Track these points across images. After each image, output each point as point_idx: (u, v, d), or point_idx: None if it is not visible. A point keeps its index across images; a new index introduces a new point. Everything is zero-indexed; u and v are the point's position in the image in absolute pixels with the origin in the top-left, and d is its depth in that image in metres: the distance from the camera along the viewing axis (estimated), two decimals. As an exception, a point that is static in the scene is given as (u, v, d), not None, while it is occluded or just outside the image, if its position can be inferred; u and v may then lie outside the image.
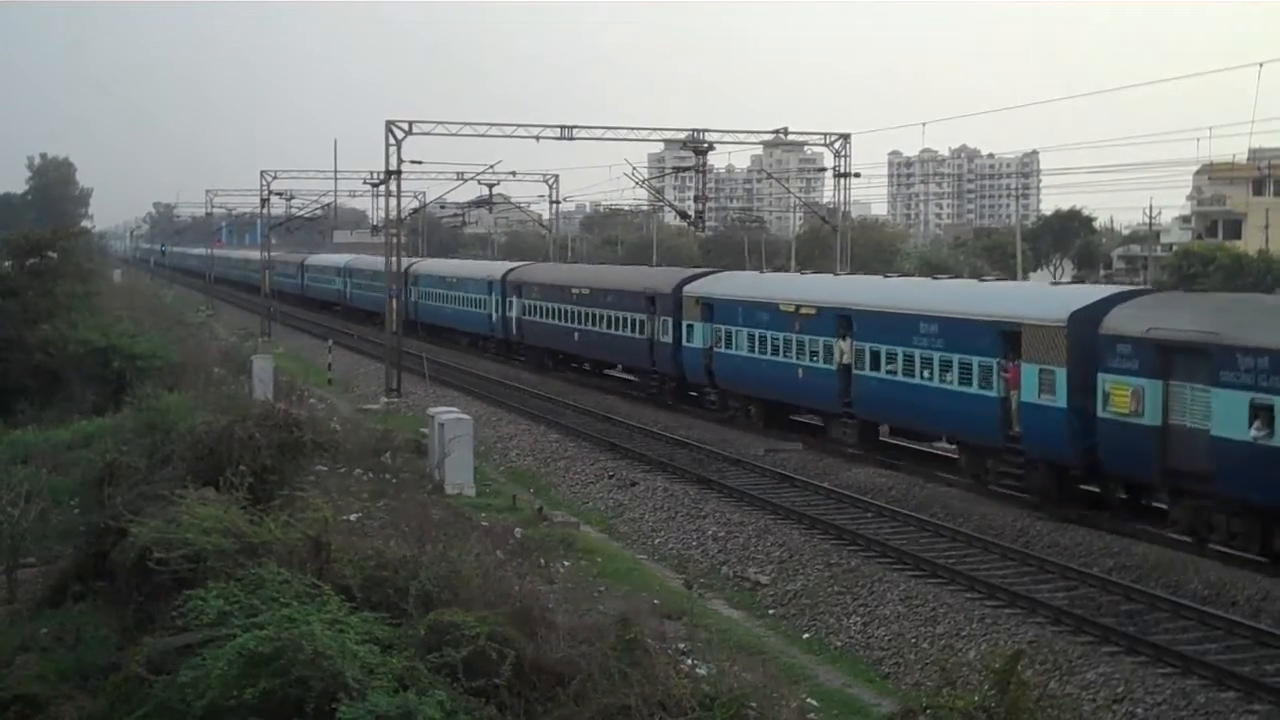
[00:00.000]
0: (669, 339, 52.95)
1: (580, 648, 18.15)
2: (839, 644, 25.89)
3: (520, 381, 62.86)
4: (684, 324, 51.79)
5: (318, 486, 26.87)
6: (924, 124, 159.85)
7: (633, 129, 63.55)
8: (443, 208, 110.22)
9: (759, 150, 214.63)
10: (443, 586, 19.71)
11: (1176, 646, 23.33)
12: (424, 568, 20.15)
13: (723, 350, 48.94)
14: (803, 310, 44.33)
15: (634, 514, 37.06)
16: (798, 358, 44.07)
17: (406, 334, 79.34)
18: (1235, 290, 78.11)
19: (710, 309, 50.16)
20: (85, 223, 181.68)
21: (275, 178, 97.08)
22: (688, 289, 52.56)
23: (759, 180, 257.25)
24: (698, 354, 50.61)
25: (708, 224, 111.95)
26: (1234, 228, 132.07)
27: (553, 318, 65.58)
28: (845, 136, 62.87)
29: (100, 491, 30.62)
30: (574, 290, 63.01)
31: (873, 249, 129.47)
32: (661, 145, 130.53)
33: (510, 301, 71.49)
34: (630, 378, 61.02)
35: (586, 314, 61.15)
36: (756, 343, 46.48)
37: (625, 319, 57.10)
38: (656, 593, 27.44)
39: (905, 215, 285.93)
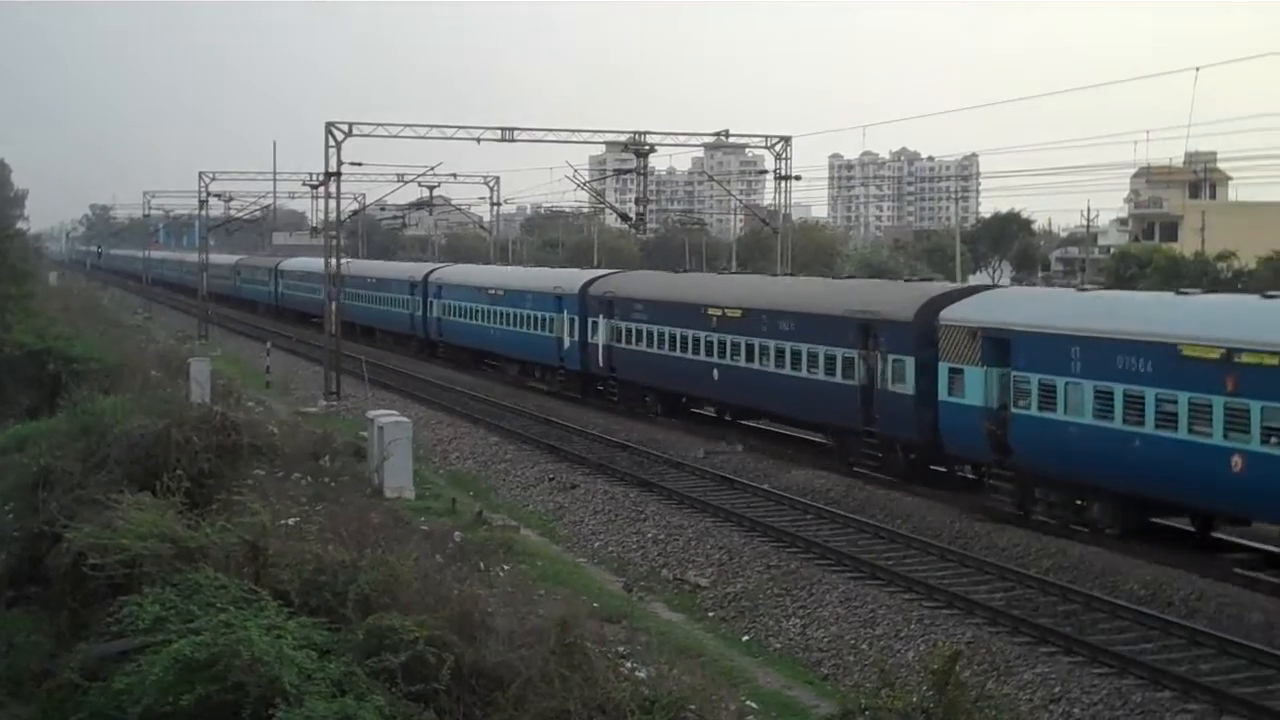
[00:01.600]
0: (907, 388, 37.15)
1: (520, 651, 18.09)
2: (778, 646, 25.97)
3: (460, 384, 62.62)
4: (944, 368, 35.40)
5: (255, 490, 26.63)
6: (864, 127, 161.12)
7: (574, 131, 63.65)
8: (382, 210, 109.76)
9: (700, 153, 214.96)
10: (381, 591, 19.57)
11: (1113, 646, 23.53)
12: (362, 572, 20.02)
13: (1032, 413, 32.06)
14: (1247, 358, 26.85)
15: (574, 517, 37.05)
16: (1227, 436, 27.01)
17: (426, 358, 74.59)
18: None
19: (1004, 347, 33.47)
20: (20, 224, 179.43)
21: (214, 179, 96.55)
22: (950, 314, 35.78)
23: (700, 182, 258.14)
24: (972, 415, 34.11)
25: (649, 226, 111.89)
26: (1170, 230, 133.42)
27: (671, 348, 49.48)
28: (786, 139, 63.17)
29: (34, 496, 30.25)
30: (712, 311, 47.16)
31: (813, 251, 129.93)
32: (603, 147, 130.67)
33: (593, 323, 55.14)
34: (816, 438, 44.16)
35: (736, 345, 45.30)
36: (1120, 405, 29.55)
37: (816, 356, 41.01)
38: (596, 596, 27.40)
39: (845, 217, 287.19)
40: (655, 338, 50.59)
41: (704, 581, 30.16)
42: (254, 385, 62.13)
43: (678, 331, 48.95)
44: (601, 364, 54.61)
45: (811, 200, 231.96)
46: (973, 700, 17.13)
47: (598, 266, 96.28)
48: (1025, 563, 29.60)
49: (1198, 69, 64.27)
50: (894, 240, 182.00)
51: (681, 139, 65.60)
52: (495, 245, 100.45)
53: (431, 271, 78.65)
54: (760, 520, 34.05)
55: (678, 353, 48.91)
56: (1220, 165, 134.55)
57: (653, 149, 63.50)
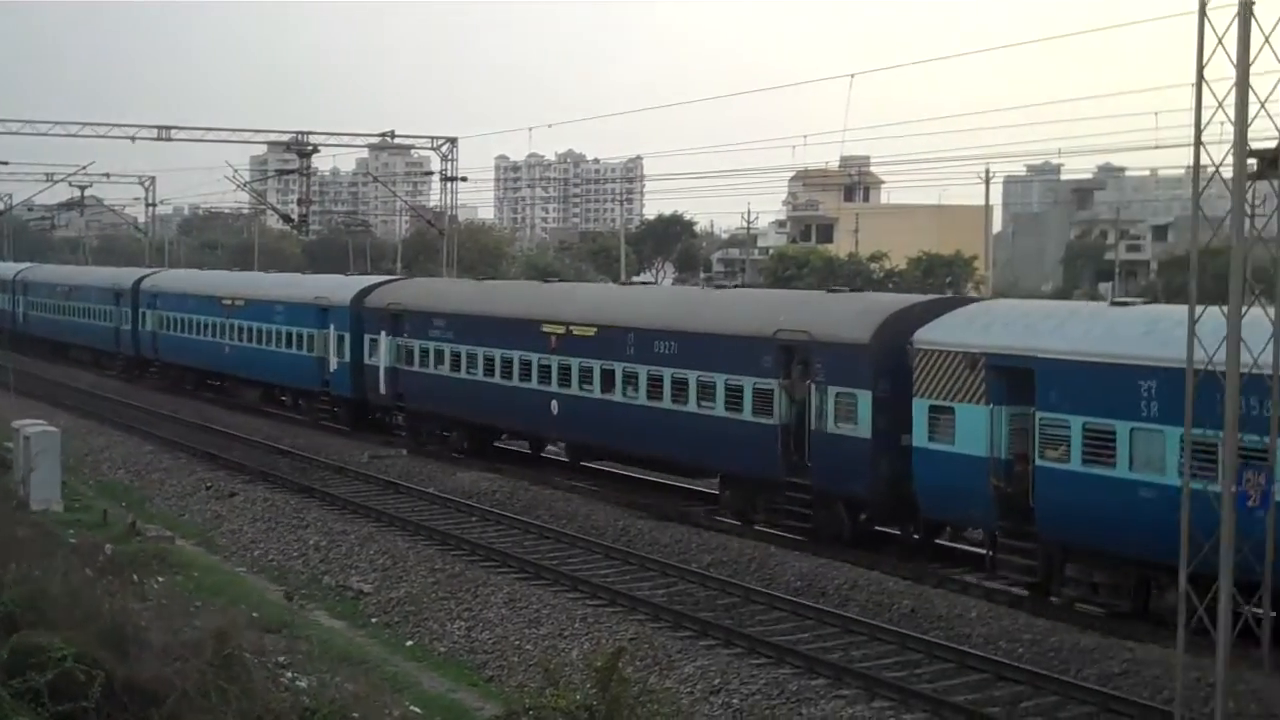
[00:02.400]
0: (859, 430, 29.35)
1: (175, 665, 17.60)
2: (443, 649, 25.81)
3: (114, 392, 60.52)
4: (922, 406, 27.81)
5: (-114, 507, 25.32)
6: (530, 129, 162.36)
7: (234, 130, 62.83)
8: (30, 210, 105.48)
9: (365, 153, 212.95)
10: (27, 607, 18.81)
11: (770, 637, 24.08)
12: (6, 589, 19.22)
13: (1071, 467, 24.58)
14: None
15: (233, 526, 36.13)
16: None
17: (135, 378, 66.01)
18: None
19: (1023, 379, 25.73)
20: None
21: None
22: (931, 335, 28.07)
23: (365, 183, 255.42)
24: (969, 468, 26.68)
25: (312, 227, 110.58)
26: (826, 231, 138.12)
27: (488, 373, 41.01)
28: (452, 140, 63.27)
29: None
30: (550, 329, 38.57)
31: (479, 252, 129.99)
32: (264, 147, 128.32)
33: (371, 341, 46.96)
34: (690, 484, 37.68)
35: (587, 371, 37.04)
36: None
37: (711, 387, 32.94)
38: (256, 605, 26.80)
39: (512, 219, 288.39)
40: (464, 360, 42.28)
41: (367, 587, 29.77)
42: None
43: (498, 353, 40.62)
44: (384, 391, 46.39)
45: (478, 201, 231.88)
46: (635, 696, 17.36)
47: (259, 269, 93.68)
48: (686, 559, 30.10)
49: (852, 75, 66.90)
50: (559, 241, 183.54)
51: (345, 139, 65.26)
52: (151, 246, 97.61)
53: (144, 278, 68.12)
54: (425, 524, 33.85)
55: (498, 379, 40.60)
56: (873, 169, 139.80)
57: (315, 149, 62.94)
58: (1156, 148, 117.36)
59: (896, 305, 31.51)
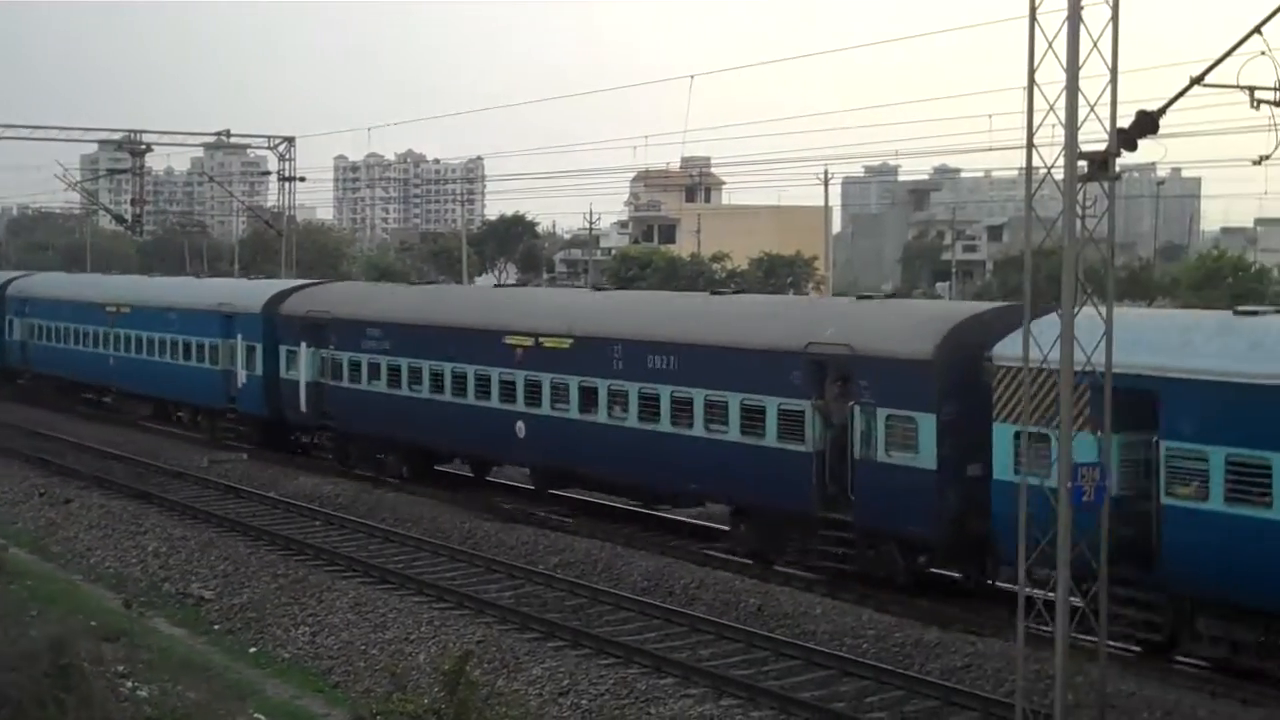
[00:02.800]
0: (920, 460, 25.06)
1: (10, 676, 17.26)
2: (287, 655, 25.50)
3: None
4: (1004, 432, 23.16)
5: None
6: (369, 128, 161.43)
7: (64, 129, 61.60)
8: None
9: (200, 152, 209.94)
10: None
11: (618, 638, 24.12)
12: None
13: (1213, 507, 20.53)
14: None
15: (68, 533, 35.33)
16: None
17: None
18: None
19: (1141, 403, 20.98)
20: None
21: None
22: (1016, 349, 19.88)
23: (200, 183, 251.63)
24: None
25: (146, 228, 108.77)
26: (669, 232, 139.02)
27: (435, 389, 36.71)
28: (290, 140, 62.64)
29: None
30: (515, 340, 34.28)
31: (318, 253, 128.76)
32: (96, 146, 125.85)
33: (289, 353, 42.45)
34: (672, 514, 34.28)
35: (561, 389, 32.83)
36: None
37: (723, 408, 28.75)
38: (94, 614, 26.25)
39: (352, 219, 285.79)
40: (406, 375, 37.70)
41: (208, 594, 29.32)
42: None
43: (448, 367, 36.17)
44: (305, 409, 41.75)
45: (317, 202, 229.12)
46: (484, 699, 17.39)
47: (92, 270, 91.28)
48: (534, 560, 30.06)
49: (693, 76, 67.48)
50: (400, 242, 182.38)
51: (179, 138, 64.33)
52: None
53: (10, 282, 63.20)
54: (267, 529, 33.45)
55: (448, 396, 36.23)
56: (714, 170, 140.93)
57: (148, 148, 62.01)
58: (990, 150, 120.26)
59: (963, 314, 27.38)
